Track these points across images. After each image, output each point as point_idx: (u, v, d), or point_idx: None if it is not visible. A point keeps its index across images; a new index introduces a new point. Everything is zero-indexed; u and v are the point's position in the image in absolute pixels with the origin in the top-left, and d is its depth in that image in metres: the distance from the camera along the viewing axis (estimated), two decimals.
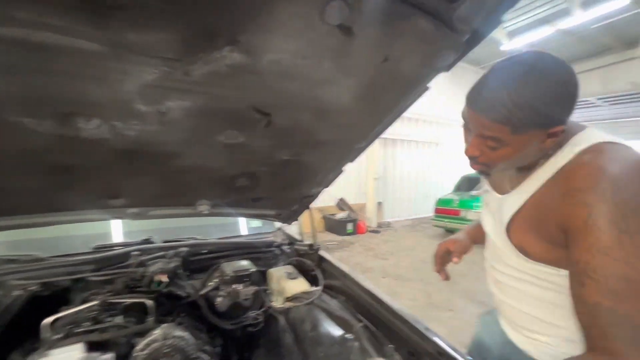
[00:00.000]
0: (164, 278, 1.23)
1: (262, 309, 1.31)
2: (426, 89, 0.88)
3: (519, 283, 0.75)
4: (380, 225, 7.86)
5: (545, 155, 0.65)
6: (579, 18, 6.46)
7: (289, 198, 1.48)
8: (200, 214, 1.36)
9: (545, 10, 6.88)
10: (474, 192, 6.18)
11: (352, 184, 7.95)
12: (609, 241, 0.50)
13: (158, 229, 1.80)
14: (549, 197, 0.61)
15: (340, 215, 7.01)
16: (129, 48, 0.59)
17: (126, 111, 0.74)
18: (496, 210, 0.79)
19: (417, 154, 8.96)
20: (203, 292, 1.32)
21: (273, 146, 1.05)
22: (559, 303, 0.67)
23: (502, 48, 8.01)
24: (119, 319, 1.01)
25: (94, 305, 1.00)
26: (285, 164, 1.17)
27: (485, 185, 0.90)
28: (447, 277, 1.05)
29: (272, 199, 1.44)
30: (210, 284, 1.34)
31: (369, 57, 0.73)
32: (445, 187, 9.26)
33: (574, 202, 0.55)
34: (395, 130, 8.25)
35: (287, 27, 0.63)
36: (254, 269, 1.32)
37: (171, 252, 1.39)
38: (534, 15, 7.09)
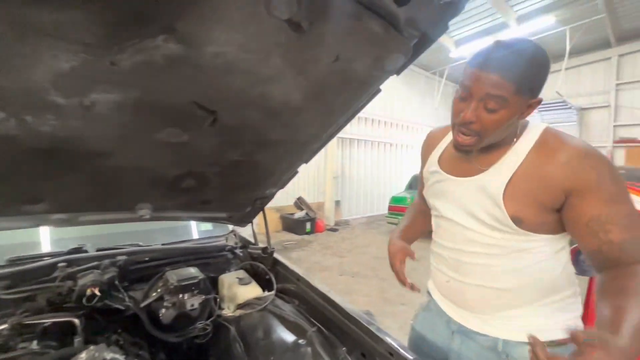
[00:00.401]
0: (97, 291, 1.10)
1: (211, 319, 1.23)
2: (378, 91, 0.89)
3: (490, 259, 0.79)
4: (338, 223, 7.97)
5: (514, 135, 0.77)
6: (515, 32, 7.13)
7: (241, 200, 1.42)
8: (140, 219, 1.24)
9: (487, 23, 7.53)
10: None
11: (310, 183, 7.96)
12: (614, 191, 0.67)
13: (93, 236, 1.62)
14: (543, 167, 0.71)
15: (299, 214, 6.98)
16: (35, 28, 0.50)
17: (38, 104, 0.63)
18: (471, 191, 0.80)
19: (373, 154, 9.23)
20: (144, 303, 1.20)
21: (221, 146, 0.98)
22: (526, 271, 0.76)
23: (450, 55, 8.62)
24: (34, 344, 0.87)
25: (2, 330, 0.85)
26: (236, 164, 1.10)
27: (432, 178, 0.93)
28: (417, 288, 0.98)
29: (222, 201, 1.36)
30: (153, 294, 1.23)
31: (319, 55, 0.70)
32: (399, 185, 9.69)
33: (582, 168, 0.68)
34: (352, 130, 8.42)
35: (231, 18, 0.57)
36: (201, 276, 1.24)
37: (106, 261, 1.25)
38: (477, 27, 7.72)
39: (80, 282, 1.11)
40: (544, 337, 0.73)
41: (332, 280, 4.12)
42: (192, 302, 1.17)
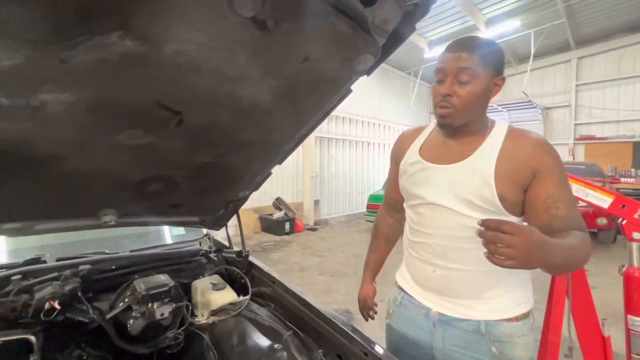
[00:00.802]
0: (56, 305, 1.03)
1: (183, 327, 1.19)
2: (349, 91, 0.88)
3: (478, 242, 0.81)
4: (317, 222, 7.97)
5: (486, 127, 0.90)
6: (484, 34, 7.43)
7: (214, 203, 1.37)
8: (105, 226, 1.17)
9: (458, 25, 7.79)
10: None
11: (289, 183, 7.91)
12: (562, 175, 0.82)
13: (54, 245, 1.52)
14: (516, 151, 0.83)
15: (278, 214, 6.91)
16: None
17: None
18: (461, 174, 0.86)
19: (351, 153, 9.31)
20: (110, 315, 1.14)
21: (189, 147, 0.94)
22: None
23: (425, 55, 8.86)
24: None
25: None
26: (205, 167, 1.07)
27: (412, 169, 0.96)
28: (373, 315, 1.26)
29: (193, 205, 1.31)
30: (120, 304, 1.17)
31: (287, 55, 0.69)
32: (377, 183, 9.83)
33: (544, 153, 0.81)
34: (330, 129, 8.45)
35: (191, 15, 0.55)
36: (172, 283, 1.19)
37: (68, 272, 1.18)
38: (449, 29, 7.97)
39: (38, 295, 1.03)
40: (517, 311, 0.86)
41: (311, 280, 4.11)
42: (162, 311, 1.12)
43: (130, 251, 1.51)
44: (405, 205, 1.03)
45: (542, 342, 1.33)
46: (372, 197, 6.98)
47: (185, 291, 1.40)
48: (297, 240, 6.32)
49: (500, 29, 7.50)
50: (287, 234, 6.74)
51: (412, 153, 0.99)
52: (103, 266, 1.31)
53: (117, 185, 1.04)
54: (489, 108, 0.93)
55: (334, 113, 9.25)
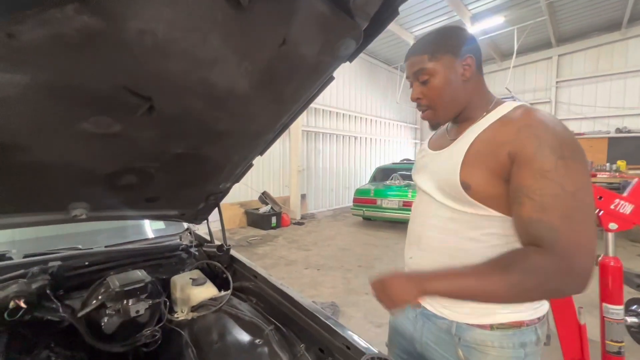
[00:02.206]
0: (22, 303, 0.97)
1: (160, 324, 1.15)
2: (331, 78, 0.85)
3: (446, 234, 0.81)
4: (304, 216, 7.95)
5: (484, 109, 0.81)
6: (469, 30, 7.49)
7: (193, 196, 1.33)
8: (75, 220, 1.11)
9: (444, 20, 7.82)
10: (387, 182, 6.71)
11: (275, 177, 7.84)
12: (550, 165, 0.62)
13: (22, 241, 1.44)
14: (500, 134, 0.72)
15: (264, 209, 6.85)
16: None
17: None
18: (440, 160, 0.84)
19: (337, 147, 9.30)
20: (82, 313, 1.09)
21: (162, 138, 0.89)
22: (478, 252, 0.75)
23: None
24: None
25: None
26: (182, 158, 1.02)
27: (419, 156, 0.97)
28: None
29: (171, 198, 1.26)
30: (93, 302, 1.12)
31: (264, 38, 0.65)
32: (363, 178, 9.88)
33: (527, 135, 0.66)
34: (317, 123, 8.40)
35: None
36: (148, 279, 1.14)
37: (35, 268, 1.12)
38: (436, 23, 7.99)
39: (1, 294, 0.97)
40: (493, 319, 0.78)
41: (297, 275, 4.10)
42: (138, 308, 1.07)
43: (106, 246, 1.45)
44: None
45: None
46: (359, 191, 7.00)
47: (164, 287, 1.35)
48: (283, 235, 6.29)
49: (485, 24, 7.59)
50: (274, 228, 6.69)
51: (425, 142, 1.01)
52: (75, 262, 1.25)
53: (86, 177, 0.98)
54: None
55: (320, 107, 9.14)
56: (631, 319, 2.31)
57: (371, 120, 10.30)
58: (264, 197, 7.04)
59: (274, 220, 6.69)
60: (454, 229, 0.79)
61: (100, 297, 1.11)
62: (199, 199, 1.37)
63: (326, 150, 8.92)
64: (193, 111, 0.83)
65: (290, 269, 4.32)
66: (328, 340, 0.91)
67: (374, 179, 7.53)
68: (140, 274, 1.17)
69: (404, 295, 0.67)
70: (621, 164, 8.39)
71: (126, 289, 1.07)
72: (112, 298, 1.09)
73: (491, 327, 0.77)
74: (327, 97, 8.47)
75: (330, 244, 5.57)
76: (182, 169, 1.11)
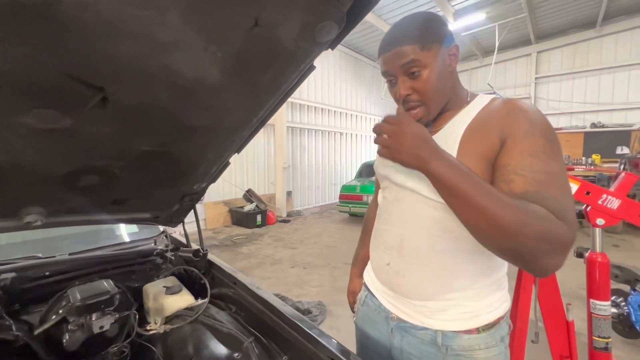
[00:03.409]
0: None
1: (129, 339, 1.05)
2: (312, 67, 0.77)
3: (432, 236, 0.76)
4: (290, 214, 7.86)
5: (464, 101, 0.78)
6: (452, 26, 7.55)
7: (166, 197, 1.22)
8: (29, 227, 1.00)
9: None
10: (373, 178, 6.71)
11: (260, 174, 7.70)
12: (538, 146, 0.62)
13: None
14: (488, 119, 0.70)
15: (249, 207, 6.72)
16: None
17: None
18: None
19: (323, 143, 9.23)
20: (39, 330, 0.98)
21: (124, 133, 0.79)
22: (465, 249, 0.73)
23: None
24: None
25: None
26: (149, 156, 0.92)
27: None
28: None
29: (140, 200, 1.16)
30: (52, 317, 1.01)
31: (233, 18, 0.57)
32: (349, 174, 9.86)
33: (518, 117, 0.66)
34: (302, 119, 8.29)
35: None
36: (115, 289, 1.04)
37: None
38: None
39: None
40: (479, 321, 0.75)
41: (283, 274, 4.02)
42: (102, 323, 0.97)
43: (70, 254, 1.33)
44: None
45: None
46: (345, 188, 6.97)
47: (136, 296, 1.25)
48: (269, 233, 6.19)
49: (467, 20, 7.66)
50: (259, 226, 6.58)
51: None
52: (33, 273, 1.14)
53: (40, 178, 0.87)
54: None
55: (305, 102, 9.06)
56: (612, 310, 2.38)
57: (357, 116, 10.28)
58: (249, 195, 6.91)
59: (259, 218, 6.58)
60: (445, 228, 0.73)
61: (60, 312, 1.00)
62: (173, 200, 1.26)
63: (312, 147, 8.83)
64: (157, 103, 0.73)
65: (276, 268, 4.24)
66: (312, 352, 0.84)
67: (360, 175, 7.51)
68: (106, 284, 1.07)
69: (412, 149, 0.59)
70: (596, 157, 8.73)
71: (89, 302, 0.97)
72: (73, 312, 0.99)
73: (478, 330, 0.75)
74: (312, 93, 8.37)
75: (317, 242, 5.51)
76: (152, 169, 1.01)
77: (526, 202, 0.57)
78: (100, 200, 1.08)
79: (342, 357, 0.76)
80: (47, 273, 1.17)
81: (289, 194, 8.10)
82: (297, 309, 2.98)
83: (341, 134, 9.78)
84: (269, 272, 4.07)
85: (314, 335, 0.85)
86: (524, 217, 0.54)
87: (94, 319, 0.97)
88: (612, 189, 1.28)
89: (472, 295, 0.76)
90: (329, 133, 9.33)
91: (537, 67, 10.10)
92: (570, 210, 0.58)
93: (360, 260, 1.15)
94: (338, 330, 2.67)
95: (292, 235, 6.06)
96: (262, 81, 0.76)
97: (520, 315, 1.33)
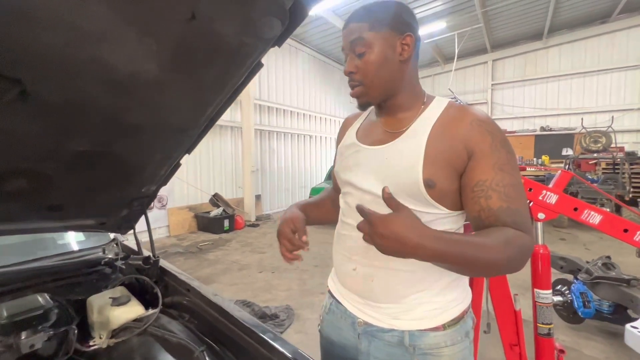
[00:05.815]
0: None
1: (67, 357, 0.96)
2: (259, 65, 0.76)
3: None
4: (259, 218, 7.72)
5: (421, 102, 0.80)
6: None
7: (112, 202, 1.14)
8: None
9: None
10: None
11: (227, 178, 7.50)
12: (504, 159, 0.68)
13: None
14: (452, 128, 0.72)
15: (215, 212, 6.51)
16: None
17: None
18: (388, 157, 0.76)
19: (292, 146, 9.19)
20: None
21: (53, 131, 0.73)
22: None
23: None
24: None
25: None
26: (88, 157, 0.85)
27: (347, 152, 0.87)
28: (299, 257, 0.91)
29: (81, 205, 1.07)
30: None
31: (165, 8, 0.54)
32: (318, 177, 9.90)
33: (481, 130, 0.70)
34: (270, 121, 8.21)
35: None
36: (50, 304, 0.95)
37: None
38: None
39: None
40: (444, 318, 0.76)
41: (251, 279, 3.93)
42: (33, 341, 0.88)
43: (1, 266, 1.20)
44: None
45: None
46: (314, 190, 6.99)
47: (80, 310, 1.15)
48: (237, 238, 6.03)
49: (429, 28, 8.02)
50: (227, 231, 6.39)
51: (350, 135, 0.91)
52: None
53: None
54: None
55: (273, 105, 8.98)
56: (557, 298, 2.57)
57: (326, 118, 10.35)
58: (216, 200, 6.69)
59: (226, 223, 6.40)
60: None
61: None
62: (121, 205, 1.19)
63: (281, 150, 8.76)
64: (90, 99, 0.68)
65: (244, 273, 4.14)
66: (266, 357, 0.82)
67: (329, 177, 7.57)
68: (40, 298, 0.98)
69: (394, 248, 0.57)
70: (545, 158, 9.48)
71: (16, 319, 0.87)
72: (2, 331, 0.89)
73: (444, 326, 0.76)
74: (280, 96, 8.32)
75: None
76: (92, 171, 0.94)
77: (502, 229, 0.64)
78: (33, 206, 0.98)
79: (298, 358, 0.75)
80: None
81: (257, 197, 7.96)
82: (264, 314, 2.91)
83: (310, 136, 9.80)
84: (236, 278, 3.96)
85: (268, 339, 0.83)
86: (510, 251, 0.61)
87: (23, 337, 0.87)
88: (550, 185, 1.38)
89: (438, 291, 0.77)
90: (298, 136, 9.31)
91: (493, 74, 10.80)
92: (529, 218, 0.68)
93: (308, 205, 1.03)
94: (305, 333, 2.65)
95: (261, 239, 5.96)
96: (207, 78, 0.73)
97: (474, 307, 1.39)
